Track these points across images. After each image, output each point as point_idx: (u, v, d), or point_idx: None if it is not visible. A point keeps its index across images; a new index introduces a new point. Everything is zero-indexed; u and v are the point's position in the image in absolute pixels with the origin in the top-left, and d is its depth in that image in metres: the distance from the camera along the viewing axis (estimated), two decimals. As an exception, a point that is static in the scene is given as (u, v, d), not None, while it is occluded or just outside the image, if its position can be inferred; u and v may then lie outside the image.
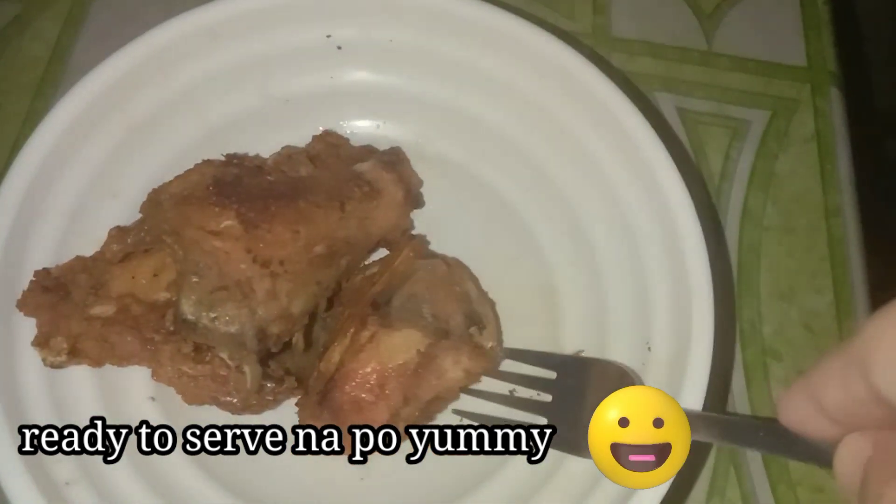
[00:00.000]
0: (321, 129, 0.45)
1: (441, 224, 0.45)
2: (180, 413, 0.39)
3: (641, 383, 0.37)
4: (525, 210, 0.45)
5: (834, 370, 0.23)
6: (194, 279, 0.36)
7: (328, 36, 0.44)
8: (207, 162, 0.40)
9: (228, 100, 0.44)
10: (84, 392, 0.38)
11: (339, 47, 0.44)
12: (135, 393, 0.40)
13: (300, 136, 0.44)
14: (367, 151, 0.43)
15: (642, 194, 0.40)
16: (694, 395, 0.35)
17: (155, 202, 0.38)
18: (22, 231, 0.38)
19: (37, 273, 0.36)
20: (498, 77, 0.43)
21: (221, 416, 0.38)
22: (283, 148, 0.42)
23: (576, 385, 0.38)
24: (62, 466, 0.35)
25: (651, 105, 0.52)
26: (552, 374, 0.39)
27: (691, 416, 0.30)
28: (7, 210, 0.37)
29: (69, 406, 0.37)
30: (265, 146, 0.44)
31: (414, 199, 0.43)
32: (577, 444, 0.35)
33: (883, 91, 0.81)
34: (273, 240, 0.37)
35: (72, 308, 0.36)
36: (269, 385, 0.37)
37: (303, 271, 0.38)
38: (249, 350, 0.37)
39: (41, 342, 0.35)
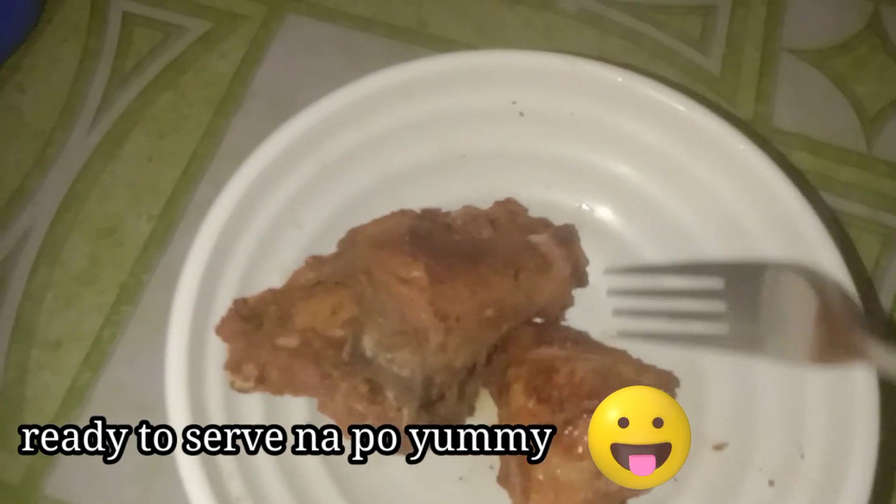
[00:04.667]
0: (492, 187, 0.47)
1: (597, 298, 0.46)
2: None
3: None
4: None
5: None
6: (380, 319, 0.38)
7: (514, 102, 0.45)
8: (403, 212, 0.42)
9: (410, 150, 0.46)
10: (254, 413, 0.40)
11: (522, 114, 0.46)
12: (294, 420, 0.42)
13: (472, 191, 0.46)
14: (543, 224, 0.45)
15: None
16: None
17: (352, 240, 0.41)
18: (219, 258, 0.40)
19: (236, 302, 0.38)
20: (675, 159, 0.45)
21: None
22: (464, 207, 0.44)
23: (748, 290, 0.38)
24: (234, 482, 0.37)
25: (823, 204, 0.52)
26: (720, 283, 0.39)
27: None
28: (209, 238, 0.39)
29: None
30: (437, 197, 0.46)
31: (580, 278, 0.45)
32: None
33: None
34: (454, 297, 0.39)
35: (262, 338, 0.37)
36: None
37: (472, 330, 0.40)
38: (414, 395, 0.39)
39: (234, 367, 0.37)
